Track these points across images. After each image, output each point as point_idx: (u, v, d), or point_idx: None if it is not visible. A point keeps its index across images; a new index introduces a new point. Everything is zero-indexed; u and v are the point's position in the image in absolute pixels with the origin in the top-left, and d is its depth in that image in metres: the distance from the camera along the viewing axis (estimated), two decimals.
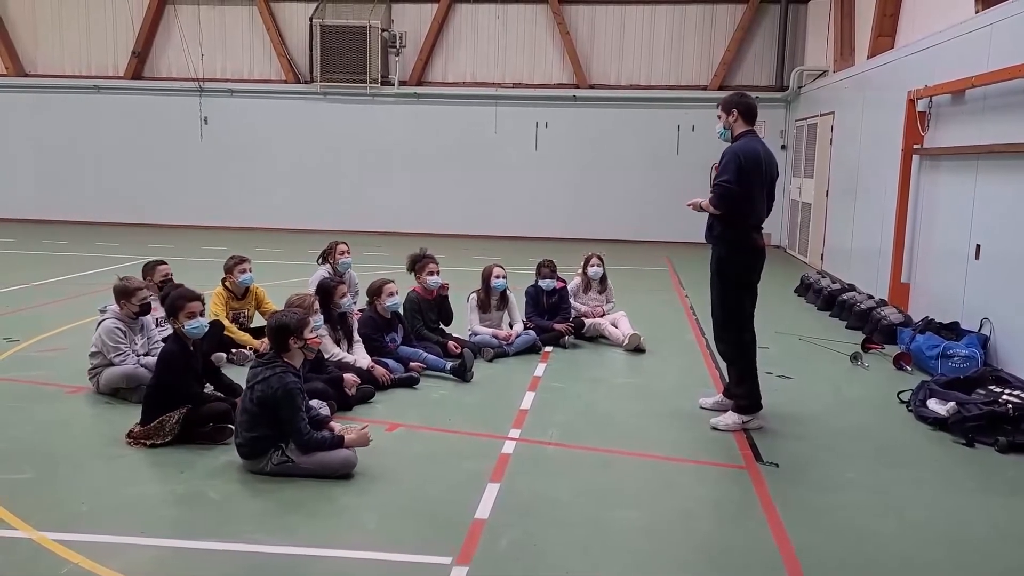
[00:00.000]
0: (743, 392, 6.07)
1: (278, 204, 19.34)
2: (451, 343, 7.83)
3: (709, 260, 6.22)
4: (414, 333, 7.79)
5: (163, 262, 7.82)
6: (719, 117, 6.07)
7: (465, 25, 19.17)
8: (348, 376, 6.38)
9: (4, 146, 19.85)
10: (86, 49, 19.97)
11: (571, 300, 9.00)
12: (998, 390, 6.30)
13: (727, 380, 6.55)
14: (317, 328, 5.80)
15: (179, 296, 5.81)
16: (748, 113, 6.01)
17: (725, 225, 5.93)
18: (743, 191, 5.78)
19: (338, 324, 7.13)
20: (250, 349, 7.65)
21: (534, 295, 8.82)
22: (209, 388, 5.93)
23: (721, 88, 17.80)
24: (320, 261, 8.82)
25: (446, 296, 8.14)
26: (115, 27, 19.77)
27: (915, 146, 9.79)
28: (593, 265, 9.13)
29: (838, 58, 14.72)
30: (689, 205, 6.19)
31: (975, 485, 5.25)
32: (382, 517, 4.55)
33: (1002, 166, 7.82)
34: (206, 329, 5.90)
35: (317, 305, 6.64)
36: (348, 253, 8.84)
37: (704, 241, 6.24)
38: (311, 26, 18.69)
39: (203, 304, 5.96)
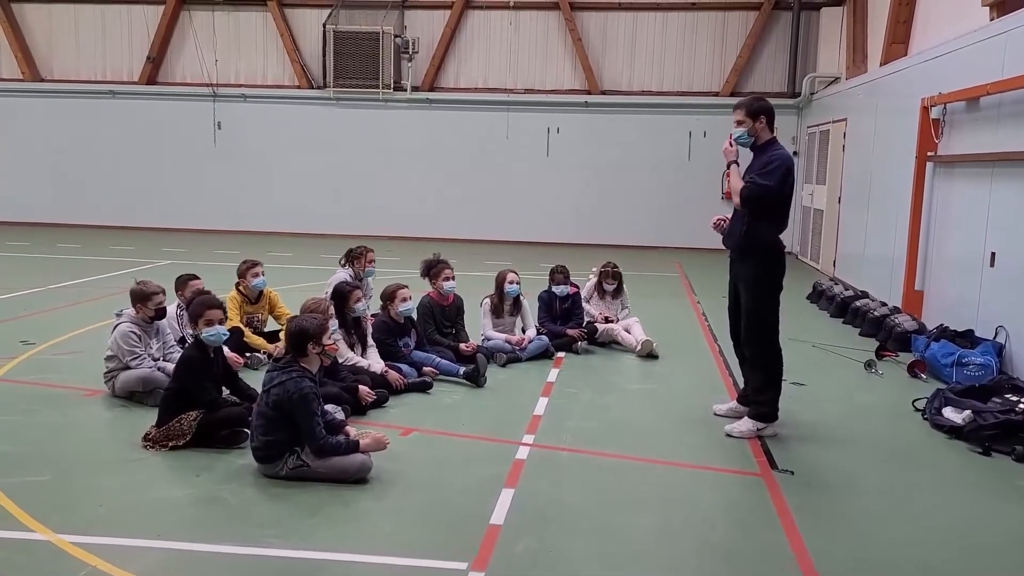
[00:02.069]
0: (766, 399, 6.03)
1: (291, 209, 19.40)
2: (463, 345, 7.83)
3: (732, 269, 6.20)
4: (426, 338, 7.81)
5: (195, 276, 7.58)
6: (741, 122, 5.96)
7: (477, 31, 19.23)
8: (363, 389, 6.39)
9: (20, 150, 19.98)
10: (101, 54, 20.10)
11: (584, 304, 9.01)
12: (1014, 399, 6.27)
13: (741, 386, 6.54)
14: (332, 332, 5.82)
15: (200, 303, 5.85)
16: (773, 120, 6.00)
17: (765, 234, 5.89)
18: (785, 197, 5.85)
19: (352, 328, 7.15)
20: (264, 353, 7.69)
21: (547, 300, 8.83)
22: (226, 393, 5.95)
23: (733, 95, 17.79)
24: (343, 263, 8.77)
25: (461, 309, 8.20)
26: (130, 33, 19.90)
27: (929, 153, 9.76)
28: (607, 283, 9.15)
29: (851, 65, 14.70)
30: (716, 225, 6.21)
31: (992, 493, 5.23)
32: (398, 522, 4.56)
33: (1018, 173, 7.79)
34: (225, 338, 5.93)
35: (332, 310, 6.68)
36: (374, 263, 8.82)
37: (722, 247, 6.22)
38: (324, 32, 18.77)
39: (224, 313, 5.99)
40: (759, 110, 5.96)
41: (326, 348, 5.24)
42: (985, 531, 4.69)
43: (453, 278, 8.07)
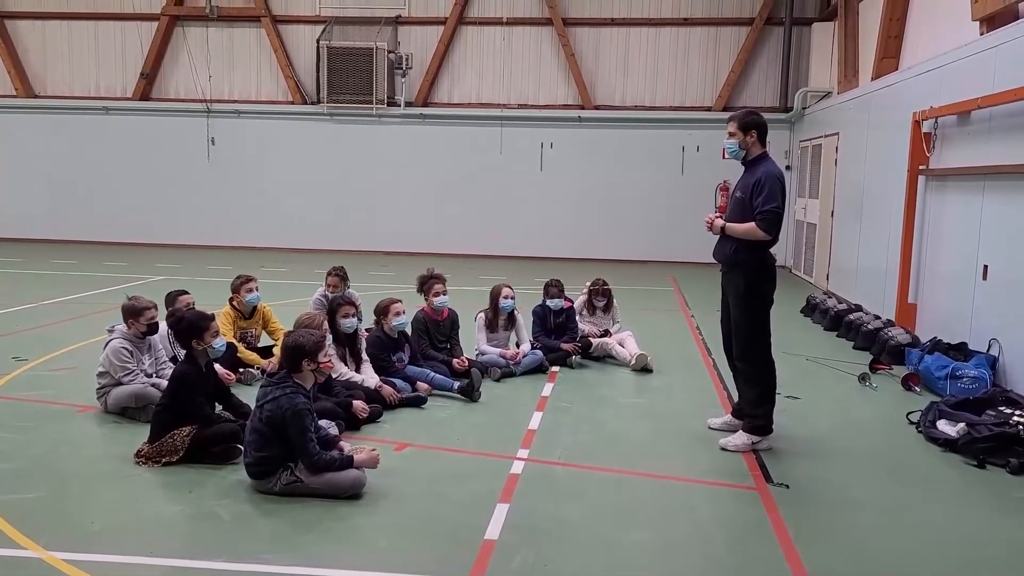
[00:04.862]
0: (762, 412, 6.03)
1: (284, 224, 19.39)
2: (456, 360, 7.80)
3: (722, 282, 6.20)
4: (420, 353, 7.79)
5: (185, 291, 7.53)
6: (732, 134, 6.00)
7: (471, 47, 19.30)
8: (357, 404, 6.37)
9: (14, 167, 19.93)
10: (95, 71, 20.10)
11: (577, 318, 9.02)
12: (1008, 411, 6.28)
13: (736, 400, 6.54)
14: (328, 348, 5.81)
15: (202, 317, 5.85)
16: (765, 134, 6.01)
17: (753, 249, 5.90)
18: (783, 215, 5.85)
19: (346, 343, 7.14)
20: (258, 368, 7.67)
21: (541, 315, 8.82)
22: (219, 409, 5.93)
23: (726, 109, 17.86)
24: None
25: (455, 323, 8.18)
26: (124, 49, 19.91)
27: (921, 167, 9.82)
28: (597, 301, 9.17)
29: (842, 79, 14.79)
30: (708, 225, 6.06)
31: (987, 506, 5.23)
32: (392, 537, 4.54)
33: (1009, 186, 7.83)
34: (225, 347, 5.95)
35: (327, 324, 6.68)
36: (334, 287, 8.71)
37: (714, 260, 6.23)
38: (318, 48, 18.82)
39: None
40: (750, 124, 5.98)
41: (321, 366, 5.22)
42: (982, 544, 4.68)
43: (444, 293, 8.05)
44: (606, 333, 9.03)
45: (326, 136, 19.28)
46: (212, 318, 5.92)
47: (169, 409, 5.56)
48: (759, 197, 5.79)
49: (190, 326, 5.77)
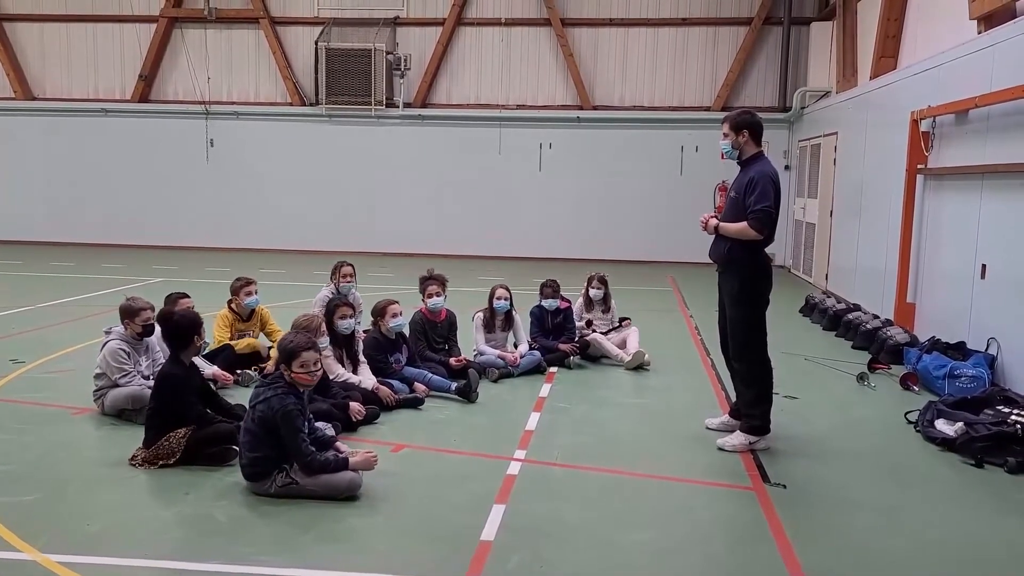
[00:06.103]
0: (759, 413, 6.02)
1: (283, 226, 19.38)
2: (452, 359, 7.80)
3: (719, 282, 6.18)
4: (418, 354, 7.77)
5: (186, 295, 7.54)
6: (726, 135, 6.02)
7: (469, 47, 19.29)
8: (354, 406, 6.36)
9: (13, 169, 19.92)
10: (94, 73, 20.09)
11: (576, 320, 9.00)
12: (1006, 410, 6.27)
13: (733, 400, 6.53)
14: (323, 348, 5.80)
15: (195, 316, 5.91)
16: (758, 134, 6.01)
17: (748, 248, 5.89)
18: (776, 214, 5.83)
19: (343, 344, 7.13)
20: (255, 370, 7.66)
21: (538, 315, 8.82)
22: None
23: (724, 109, 17.85)
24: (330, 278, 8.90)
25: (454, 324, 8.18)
26: (122, 51, 19.90)
27: (919, 166, 9.81)
28: (593, 287, 9.16)
29: (841, 79, 14.78)
30: (703, 224, 6.06)
31: (986, 505, 5.22)
32: (389, 539, 4.53)
33: (1007, 185, 7.83)
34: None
35: (324, 327, 6.67)
36: (350, 278, 8.81)
37: (710, 260, 6.22)
38: (316, 49, 18.81)
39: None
40: (742, 124, 5.98)
41: (293, 375, 5.09)
42: (981, 543, 4.68)
43: (438, 295, 8.02)
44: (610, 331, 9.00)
45: (325, 137, 19.27)
46: (200, 319, 5.96)
47: (159, 412, 5.53)
48: (751, 196, 5.80)
49: (191, 324, 5.78)
